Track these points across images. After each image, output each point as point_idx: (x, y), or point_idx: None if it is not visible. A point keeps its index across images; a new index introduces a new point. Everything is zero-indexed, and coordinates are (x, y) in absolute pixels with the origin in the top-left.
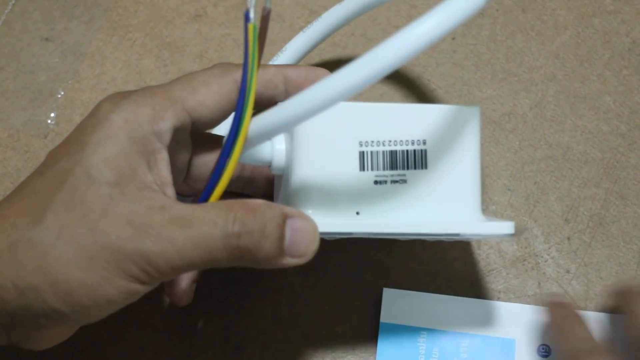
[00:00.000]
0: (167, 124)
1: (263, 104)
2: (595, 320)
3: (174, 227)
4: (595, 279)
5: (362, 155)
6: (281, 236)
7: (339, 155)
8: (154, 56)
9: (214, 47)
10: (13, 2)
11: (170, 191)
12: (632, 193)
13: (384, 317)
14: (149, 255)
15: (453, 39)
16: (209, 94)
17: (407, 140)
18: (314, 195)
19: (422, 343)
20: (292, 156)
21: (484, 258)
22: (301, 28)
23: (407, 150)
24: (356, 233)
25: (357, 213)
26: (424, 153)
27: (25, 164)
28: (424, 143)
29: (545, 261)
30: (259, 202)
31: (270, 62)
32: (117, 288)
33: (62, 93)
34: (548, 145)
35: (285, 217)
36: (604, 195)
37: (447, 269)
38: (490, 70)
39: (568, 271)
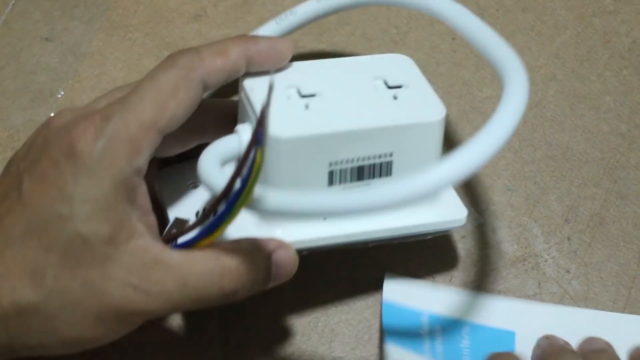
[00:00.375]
0: (144, 156)
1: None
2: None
3: (170, 285)
4: (595, 279)
5: (331, 174)
6: (269, 275)
7: (309, 176)
8: (154, 56)
9: None
10: (13, 2)
11: (152, 218)
12: (632, 193)
13: (387, 298)
14: (150, 311)
15: (453, 39)
16: (178, 106)
17: (375, 155)
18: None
19: (425, 325)
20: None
21: (484, 258)
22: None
23: (374, 164)
24: (323, 246)
25: (325, 218)
26: (390, 164)
27: None
28: (391, 155)
29: (545, 261)
30: (246, 246)
31: (277, 21)
32: (119, 334)
33: (62, 93)
34: (548, 145)
35: (270, 255)
36: (604, 195)
37: (447, 269)
38: (490, 70)
39: (568, 271)
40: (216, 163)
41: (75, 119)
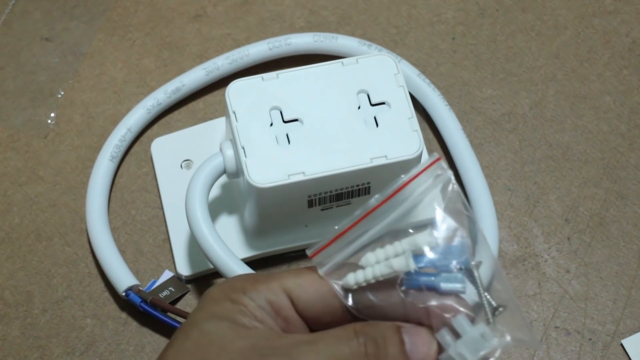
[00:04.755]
0: None
1: None
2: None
3: (301, 345)
4: (595, 279)
5: (310, 202)
6: (401, 341)
7: (290, 204)
8: (154, 56)
9: (214, 47)
10: (13, 2)
11: None
12: (632, 193)
13: None
14: None
15: (453, 39)
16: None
17: (353, 185)
18: (268, 227)
19: None
20: (240, 165)
21: None
22: (301, 28)
23: (352, 190)
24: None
25: (306, 226)
26: (368, 188)
27: (25, 164)
28: (368, 183)
29: (545, 261)
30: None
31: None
32: None
33: (62, 93)
34: (548, 145)
35: (399, 327)
36: (604, 195)
37: None
38: (490, 70)
39: (568, 271)
40: (203, 202)
41: None
